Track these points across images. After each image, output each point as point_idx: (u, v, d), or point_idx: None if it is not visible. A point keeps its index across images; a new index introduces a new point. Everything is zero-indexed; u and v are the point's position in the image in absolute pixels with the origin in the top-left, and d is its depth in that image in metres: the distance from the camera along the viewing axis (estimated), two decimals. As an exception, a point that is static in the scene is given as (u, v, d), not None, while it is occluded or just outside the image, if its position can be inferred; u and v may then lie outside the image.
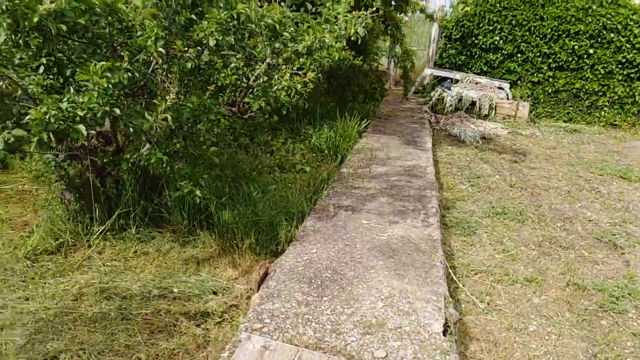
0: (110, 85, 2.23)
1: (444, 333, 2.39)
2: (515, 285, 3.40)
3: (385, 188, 4.46)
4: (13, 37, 2.41)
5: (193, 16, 3.14)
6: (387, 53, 13.36)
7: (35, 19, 2.17)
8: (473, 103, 9.65)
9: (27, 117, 2.31)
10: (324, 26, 2.73)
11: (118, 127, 2.71)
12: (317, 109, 6.85)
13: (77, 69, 2.37)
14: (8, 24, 2.19)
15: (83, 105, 2.34)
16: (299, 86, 2.77)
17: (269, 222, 3.62)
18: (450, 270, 3.35)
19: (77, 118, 2.38)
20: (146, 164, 3.19)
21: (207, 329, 2.80)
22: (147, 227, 3.74)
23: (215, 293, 3.12)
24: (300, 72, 3.43)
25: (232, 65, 2.98)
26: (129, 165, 3.20)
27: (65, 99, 2.33)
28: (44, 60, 3.13)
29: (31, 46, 2.44)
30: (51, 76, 3.20)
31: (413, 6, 8.61)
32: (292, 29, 2.73)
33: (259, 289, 2.78)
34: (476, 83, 10.46)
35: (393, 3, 7.67)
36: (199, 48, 3.02)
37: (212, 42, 2.93)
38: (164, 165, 3.19)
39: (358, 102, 8.01)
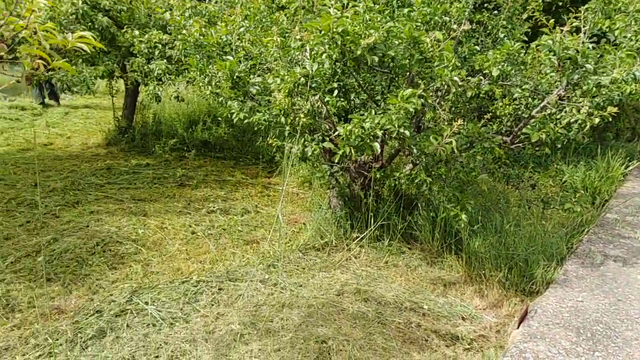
0: (411, 110, 2.47)
1: None
2: None
3: (666, 244, 3.81)
4: (332, 65, 2.87)
5: (477, 47, 3.25)
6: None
7: (358, 52, 2.56)
8: None
9: (336, 133, 2.71)
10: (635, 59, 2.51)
11: (404, 147, 2.97)
12: (571, 143, 6.27)
13: (388, 94, 2.68)
14: (337, 56, 2.63)
15: (380, 126, 2.65)
16: (597, 120, 2.60)
17: (524, 258, 3.46)
18: None
19: (373, 137, 2.70)
20: (407, 183, 3.41)
21: (456, 352, 2.83)
22: (399, 241, 3.98)
23: (463, 319, 3.13)
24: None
25: (516, 95, 2.97)
26: (395, 182, 3.47)
27: (368, 120, 2.67)
28: (335, 84, 3.65)
29: (346, 73, 2.87)
30: (342, 99, 3.71)
31: None
32: (592, 61, 2.58)
33: (519, 326, 2.68)
34: None
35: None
36: (481, 77, 3.10)
37: (495, 72, 2.98)
38: (425, 187, 3.36)
39: (622, 140, 7.03)
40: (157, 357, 2.43)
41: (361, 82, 3.60)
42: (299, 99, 2.85)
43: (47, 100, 9.71)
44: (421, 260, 3.82)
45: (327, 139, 2.93)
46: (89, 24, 5.58)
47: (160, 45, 5.67)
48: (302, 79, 2.82)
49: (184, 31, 3.69)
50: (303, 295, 3.25)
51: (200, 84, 3.48)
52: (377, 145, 2.70)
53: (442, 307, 3.20)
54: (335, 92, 3.63)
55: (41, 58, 1.77)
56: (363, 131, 2.67)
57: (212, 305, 3.01)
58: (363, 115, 2.77)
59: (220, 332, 2.73)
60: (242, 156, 6.75)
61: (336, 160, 2.74)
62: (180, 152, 6.68)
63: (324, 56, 2.68)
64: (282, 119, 3.06)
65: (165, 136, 6.94)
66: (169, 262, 3.56)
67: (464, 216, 2.97)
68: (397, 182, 3.55)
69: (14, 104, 8.94)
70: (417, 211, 4.04)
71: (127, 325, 2.67)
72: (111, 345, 2.48)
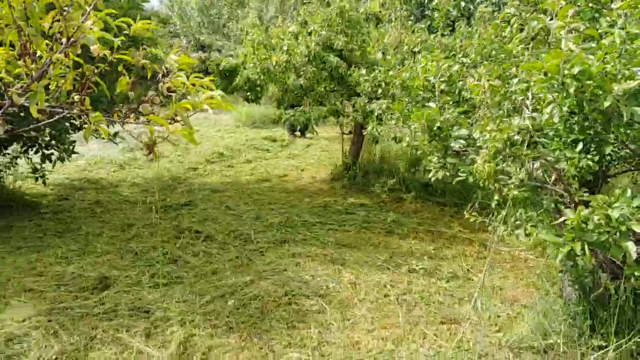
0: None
1: None
2: None
3: None
4: (567, 117, 2.02)
5: None
6: None
7: (606, 103, 1.68)
8: None
9: (563, 219, 1.86)
10: None
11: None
12: None
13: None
14: (571, 107, 1.80)
15: (640, 214, 1.68)
16: None
17: None
18: None
19: (626, 232, 1.74)
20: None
21: None
22: (671, 369, 2.68)
23: None
24: None
25: None
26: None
27: (617, 204, 1.74)
28: (581, 136, 2.66)
29: (588, 130, 1.99)
30: (588, 156, 2.70)
31: None
32: None
33: None
34: None
35: None
36: None
37: None
38: None
39: None
40: None
41: (621, 133, 2.55)
42: (509, 162, 2.09)
43: (296, 132, 10.76)
44: None
45: (554, 227, 2.07)
46: (321, 64, 5.75)
47: (384, 84, 5.46)
48: (517, 135, 2.06)
49: (391, 72, 3.30)
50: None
51: (399, 133, 3.01)
52: (630, 246, 1.74)
53: None
54: (580, 145, 2.67)
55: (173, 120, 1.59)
56: (608, 221, 1.76)
57: (379, 409, 2.46)
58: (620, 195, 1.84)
59: None
60: (466, 203, 5.95)
61: (557, 260, 1.88)
62: (399, 193, 6.33)
63: (550, 107, 1.88)
64: (490, 185, 2.33)
65: (386, 175, 6.71)
66: (349, 331, 3.16)
67: None
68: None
69: (267, 134, 10.16)
70: None
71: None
72: None
